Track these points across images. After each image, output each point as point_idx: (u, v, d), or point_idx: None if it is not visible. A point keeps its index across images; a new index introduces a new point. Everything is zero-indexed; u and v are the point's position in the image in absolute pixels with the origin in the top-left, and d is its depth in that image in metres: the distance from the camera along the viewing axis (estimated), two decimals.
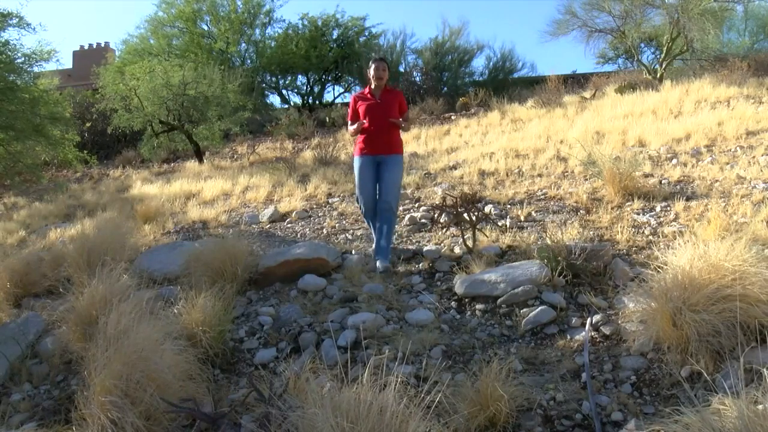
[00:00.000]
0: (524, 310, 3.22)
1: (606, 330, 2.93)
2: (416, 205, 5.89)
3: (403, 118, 4.38)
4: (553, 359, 2.79)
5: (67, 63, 23.87)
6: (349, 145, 11.17)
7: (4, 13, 7.06)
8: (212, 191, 7.86)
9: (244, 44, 18.44)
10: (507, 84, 17.23)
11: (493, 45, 25.45)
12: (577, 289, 3.39)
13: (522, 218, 4.93)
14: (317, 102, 19.52)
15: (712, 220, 3.84)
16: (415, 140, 10.53)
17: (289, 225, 5.76)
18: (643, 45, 16.17)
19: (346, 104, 18.71)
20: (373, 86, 4.36)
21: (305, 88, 19.74)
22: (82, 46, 25.26)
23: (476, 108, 13.78)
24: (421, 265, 4.17)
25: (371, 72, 4.34)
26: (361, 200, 4.43)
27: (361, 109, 4.34)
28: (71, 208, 8.56)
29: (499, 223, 4.71)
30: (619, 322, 2.94)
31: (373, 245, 4.39)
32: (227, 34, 17.49)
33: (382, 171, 4.31)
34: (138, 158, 13.62)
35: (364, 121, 4.31)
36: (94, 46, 24.95)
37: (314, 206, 6.39)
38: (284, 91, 19.86)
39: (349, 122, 4.50)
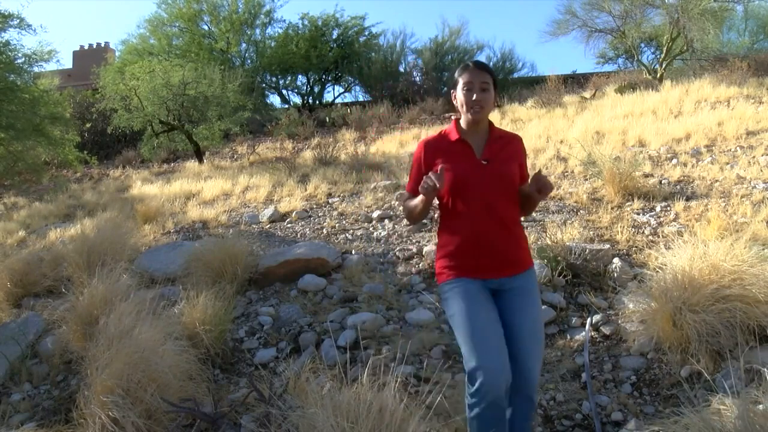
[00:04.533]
0: None
1: (606, 330, 2.94)
2: None
3: (529, 189, 1.96)
4: (553, 359, 2.79)
5: (67, 63, 23.95)
6: (350, 145, 11.08)
7: (5, 15, 7.07)
8: (212, 191, 7.86)
9: (244, 44, 18.50)
10: (507, 84, 17.26)
11: (493, 45, 25.71)
12: (577, 289, 3.39)
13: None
14: (317, 102, 19.55)
15: (712, 220, 3.84)
16: (414, 140, 10.51)
17: (289, 225, 5.76)
18: (643, 45, 16.18)
19: (347, 104, 18.90)
20: (463, 125, 1.98)
21: (305, 88, 19.81)
22: (82, 46, 25.33)
23: None
24: (421, 265, 4.17)
25: (461, 91, 1.92)
26: (482, 374, 1.73)
27: (448, 176, 1.89)
28: (71, 208, 8.56)
29: None
30: (619, 322, 2.95)
31: None
32: (227, 34, 17.52)
33: (509, 307, 1.93)
34: (138, 158, 13.63)
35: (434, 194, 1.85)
36: (94, 46, 25.02)
37: (314, 206, 6.39)
38: (284, 91, 19.93)
39: (406, 192, 2.09)
